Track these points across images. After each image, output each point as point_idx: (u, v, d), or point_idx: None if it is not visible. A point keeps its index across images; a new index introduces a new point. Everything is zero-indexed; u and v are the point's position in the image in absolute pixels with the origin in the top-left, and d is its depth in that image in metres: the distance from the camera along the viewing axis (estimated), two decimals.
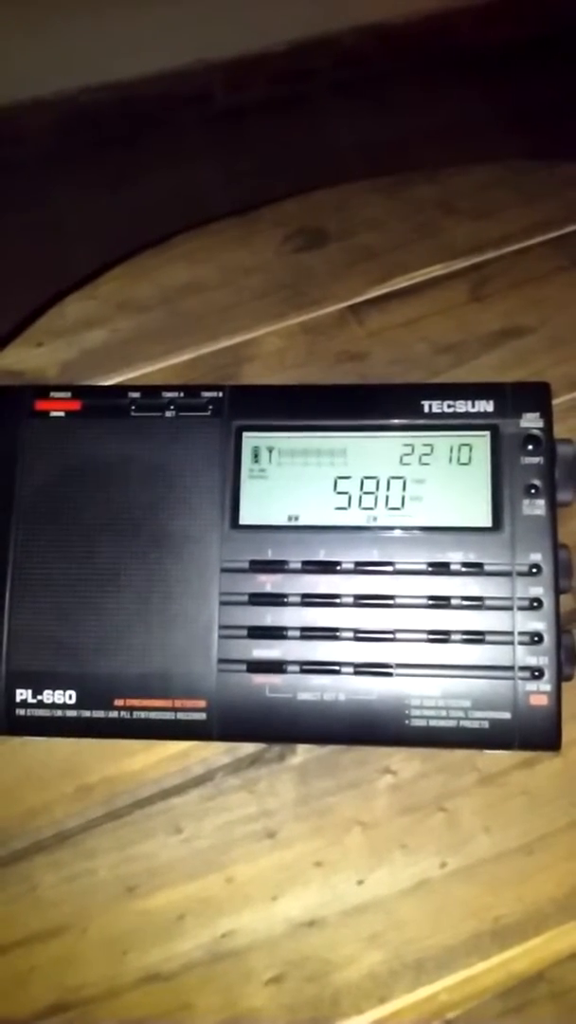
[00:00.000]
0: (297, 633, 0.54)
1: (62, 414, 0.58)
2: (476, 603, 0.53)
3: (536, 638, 0.52)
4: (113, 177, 1.69)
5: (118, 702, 0.54)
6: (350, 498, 0.56)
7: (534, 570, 0.53)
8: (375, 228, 0.76)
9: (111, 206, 1.63)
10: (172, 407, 0.58)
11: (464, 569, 0.54)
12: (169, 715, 0.54)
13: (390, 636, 0.54)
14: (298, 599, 0.54)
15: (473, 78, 1.78)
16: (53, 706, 0.54)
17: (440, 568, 0.54)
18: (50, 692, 0.54)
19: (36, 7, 1.60)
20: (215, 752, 0.58)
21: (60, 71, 1.70)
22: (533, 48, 1.77)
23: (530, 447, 0.55)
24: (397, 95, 1.79)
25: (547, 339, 0.69)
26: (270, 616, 0.54)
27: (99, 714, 0.54)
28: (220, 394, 0.58)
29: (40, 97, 1.72)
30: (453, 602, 0.53)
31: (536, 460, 0.55)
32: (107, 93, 1.73)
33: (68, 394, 0.59)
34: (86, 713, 0.54)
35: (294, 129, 1.76)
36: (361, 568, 0.54)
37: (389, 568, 0.54)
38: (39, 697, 0.54)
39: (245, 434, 0.57)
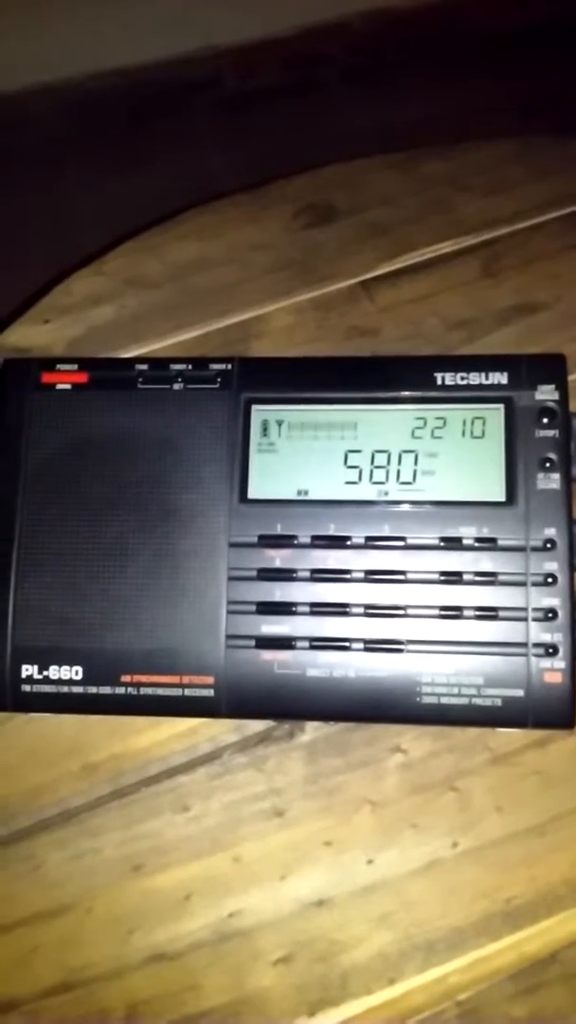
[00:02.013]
0: (306, 609, 0.53)
1: (68, 387, 0.57)
2: (489, 579, 0.52)
3: (550, 614, 0.51)
4: (121, 164, 1.68)
5: (125, 678, 0.53)
6: (360, 472, 0.55)
7: (548, 545, 0.52)
8: (386, 204, 0.74)
9: (119, 193, 1.62)
10: (180, 380, 0.57)
11: (477, 544, 0.53)
12: (177, 691, 0.53)
13: (401, 612, 0.53)
14: (307, 574, 0.54)
15: (485, 63, 1.76)
16: (59, 682, 0.54)
17: (452, 543, 0.53)
18: (56, 668, 0.54)
19: None
20: (223, 730, 0.58)
21: (68, 57, 1.69)
22: (545, 33, 1.76)
23: (545, 420, 0.54)
24: (408, 81, 1.77)
25: (560, 315, 0.68)
26: (279, 591, 0.54)
27: (106, 690, 0.53)
28: (229, 366, 0.57)
29: (48, 83, 1.71)
30: (466, 577, 0.53)
31: (551, 433, 0.54)
32: (115, 79, 1.72)
33: (75, 367, 0.58)
34: (93, 689, 0.53)
35: (304, 115, 1.74)
36: (372, 543, 0.54)
37: (400, 543, 0.53)
38: (45, 673, 0.54)
39: (254, 407, 0.56)
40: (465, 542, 0.53)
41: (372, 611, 0.53)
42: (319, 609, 0.53)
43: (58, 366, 0.58)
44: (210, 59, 1.75)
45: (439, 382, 0.55)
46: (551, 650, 0.51)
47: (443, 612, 0.52)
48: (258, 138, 1.70)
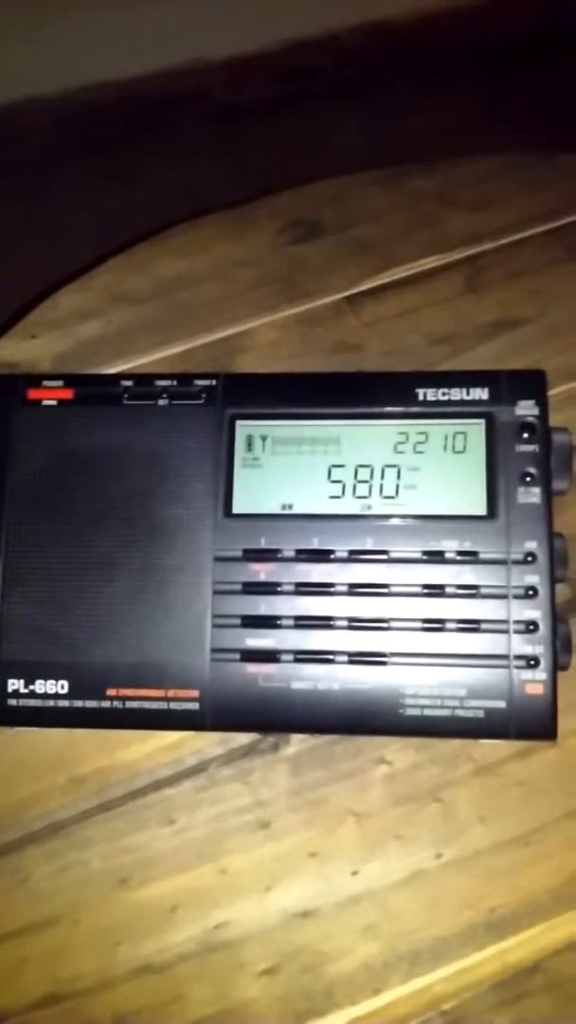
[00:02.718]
0: (291, 622, 0.54)
1: (55, 403, 0.58)
2: (471, 591, 0.53)
3: (531, 626, 0.52)
4: (111, 176, 1.69)
5: (111, 692, 0.54)
6: (344, 486, 0.55)
7: (529, 558, 0.53)
8: (371, 220, 0.75)
9: (109, 205, 1.62)
10: (165, 395, 0.57)
11: (459, 557, 0.53)
12: (162, 705, 0.54)
13: (384, 625, 0.53)
14: (292, 588, 0.54)
15: (476, 76, 1.77)
16: (45, 696, 0.54)
17: (435, 556, 0.54)
18: (42, 682, 0.54)
19: (34, 5, 1.60)
20: (208, 743, 0.58)
21: (58, 69, 1.69)
22: (535, 46, 1.77)
23: (525, 435, 0.54)
24: (398, 94, 1.78)
25: (543, 330, 0.69)
26: (264, 605, 0.54)
27: (92, 704, 0.54)
28: (213, 382, 0.58)
29: (38, 95, 1.71)
30: (448, 590, 0.53)
31: (531, 448, 0.54)
32: (105, 91, 1.73)
33: (61, 383, 0.58)
34: (79, 703, 0.54)
35: (294, 128, 1.75)
36: (355, 556, 0.54)
37: (383, 556, 0.54)
38: (31, 687, 0.54)
39: (238, 422, 0.57)
40: (447, 555, 0.54)
41: (356, 624, 0.53)
42: (303, 622, 0.54)
43: (44, 382, 0.58)
44: (200, 72, 1.76)
45: (421, 398, 0.56)
46: (532, 662, 0.52)
47: (426, 624, 0.53)
48: (248, 151, 1.70)
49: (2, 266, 1.48)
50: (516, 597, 0.52)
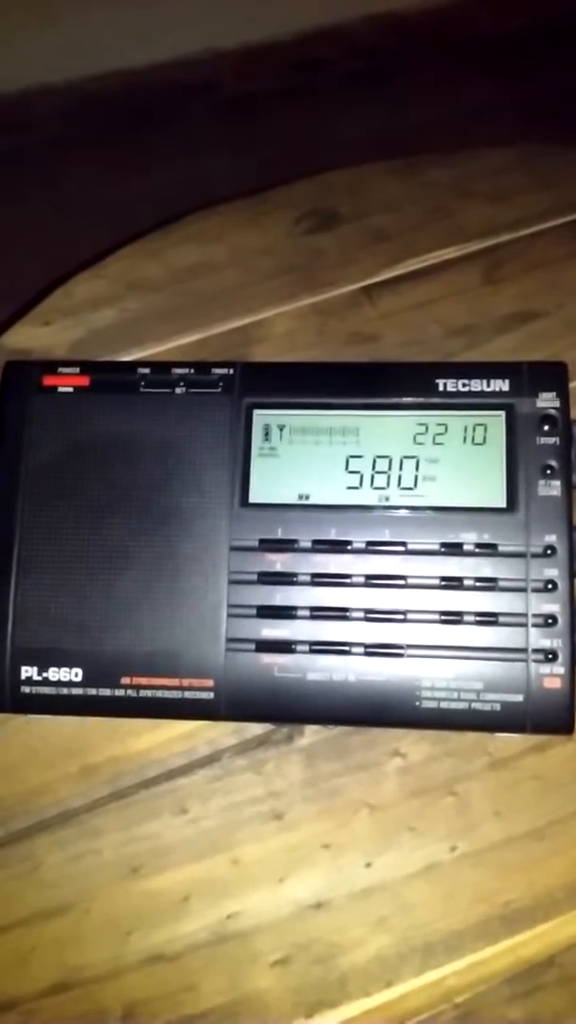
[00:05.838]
0: (307, 613, 0.53)
1: (70, 390, 0.58)
2: (489, 584, 0.53)
3: (550, 620, 0.52)
4: (121, 166, 1.68)
5: (125, 680, 0.54)
6: (362, 477, 0.55)
7: (549, 552, 0.52)
8: (388, 210, 0.75)
9: (118, 195, 1.62)
10: (182, 384, 0.57)
11: (477, 550, 0.53)
12: (176, 694, 0.53)
13: (401, 617, 0.53)
14: (308, 578, 0.54)
15: (486, 69, 1.77)
16: (59, 683, 0.54)
17: (453, 549, 0.53)
18: (56, 669, 0.54)
19: None
20: (222, 733, 0.58)
21: (69, 58, 1.69)
22: (548, 37, 1.76)
23: (546, 427, 0.54)
24: (408, 86, 1.78)
25: (561, 323, 0.68)
26: (279, 595, 0.54)
27: (106, 692, 0.54)
28: (231, 371, 0.57)
29: (49, 84, 1.71)
30: (466, 583, 0.53)
31: (552, 440, 0.54)
32: (116, 81, 1.72)
33: (77, 370, 0.58)
34: (92, 691, 0.54)
35: (304, 120, 1.75)
36: (372, 548, 0.54)
37: (401, 548, 0.54)
38: (45, 674, 0.54)
39: (256, 411, 0.56)
40: (466, 548, 0.53)
41: (372, 615, 0.53)
42: (319, 613, 0.53)
43: (60, 369, 0.58)
44: (211, 62, 1.75)
45: (441, 389, 0.55)
46: (550, 656, 0.51)
47: (443, 617, 0.53)
48: (258, 142, 1.70)
49: (13, 254, 1.48)
50: (535, 590, 0.52)
